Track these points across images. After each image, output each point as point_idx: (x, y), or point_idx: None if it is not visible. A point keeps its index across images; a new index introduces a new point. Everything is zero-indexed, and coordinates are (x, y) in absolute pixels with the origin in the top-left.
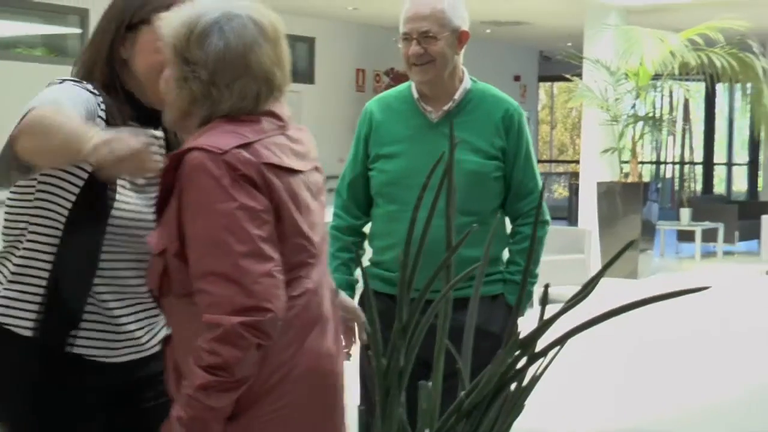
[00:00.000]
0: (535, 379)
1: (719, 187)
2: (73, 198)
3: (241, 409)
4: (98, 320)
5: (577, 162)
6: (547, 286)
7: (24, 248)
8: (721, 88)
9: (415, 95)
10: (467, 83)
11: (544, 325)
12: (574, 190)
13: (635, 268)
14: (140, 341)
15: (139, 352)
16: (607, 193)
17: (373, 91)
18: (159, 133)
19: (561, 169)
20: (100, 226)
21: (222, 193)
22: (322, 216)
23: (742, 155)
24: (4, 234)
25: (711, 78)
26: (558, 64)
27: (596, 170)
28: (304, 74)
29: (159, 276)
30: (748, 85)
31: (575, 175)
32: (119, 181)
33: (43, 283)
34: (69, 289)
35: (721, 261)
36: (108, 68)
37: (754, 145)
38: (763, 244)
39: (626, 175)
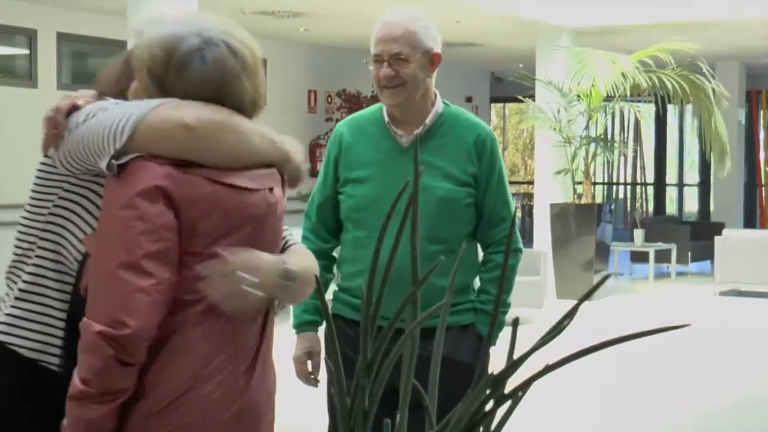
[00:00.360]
0: (503, 421)
1: (671, 208)
2: (87, 228)
3: (131, 428)
4: None
5: (529, 183)
6: (516, 321)
7: (32, 264)
8: (671, 109)
9: (386, 118)
10: (439, 106)
11: (514, 364)
12: (527, 212)
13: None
14: None
15: None
16: (560, 214)
17: (325, 112)
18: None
19: (513, 190)
20: None
21: (126, 199)
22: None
23: (691, 176)
24: (15, 247)
25: (662, 99)
26: (510, 86)
27: (549, 191)
28: None
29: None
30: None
31: (528, 196)
32: None
33: (51, 302)
34: None
35: (674, 282)
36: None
37: (704, 166)
38: (717, 265)
39: (579, 196)
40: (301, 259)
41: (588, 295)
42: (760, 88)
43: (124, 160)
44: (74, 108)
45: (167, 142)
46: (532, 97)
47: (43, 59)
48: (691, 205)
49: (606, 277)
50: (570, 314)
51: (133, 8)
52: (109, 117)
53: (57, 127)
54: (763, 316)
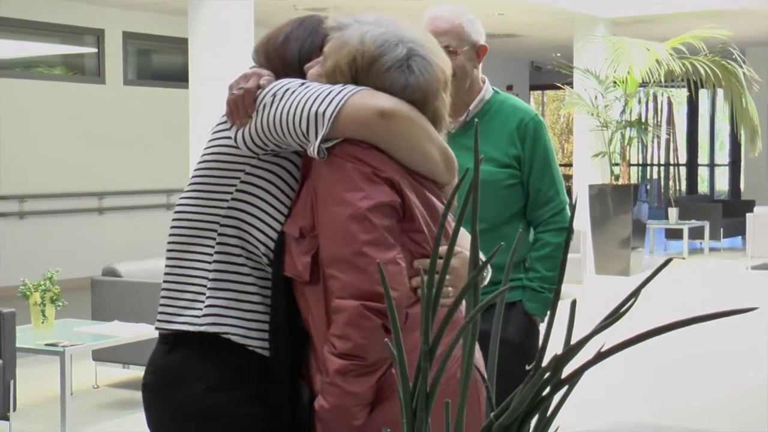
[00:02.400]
0: (559, 406)
1: (702, 187)
2: (274, 211)
3: (387, 394)
4: None
5: (567, 165)
6: (574, 303)
7: (218, 252)
8: (702, 93)
9: None
10: (487, 94)
11: (573, 348)
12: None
13: (627, 265)
14: None
15: None
16: (598, 195)
17: None
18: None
19: None
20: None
21: (350, 183)
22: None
23: (722, 156)
24: (178, 234)
25: (695, 84)
26: (548, 74)
27: (588, 173)
28: None
29: (309, 261)
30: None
31: (566, 177)
32: None
33: (246, 288)
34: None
35: (707, 257)
36: None
37: (735, 147)
38: (748, 241)
39: (617, 177)
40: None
41: (650, 279)
42: None
43: (332, 143)
44: (258, 87)
45: (363, 128)
46: (570, 84)
47: (110, 57)
48: (722, 184)
49: (668, 261)
50: (633, 295)
51: (193, 7)
52: (305, 98)
53: (247, 107)
54: None
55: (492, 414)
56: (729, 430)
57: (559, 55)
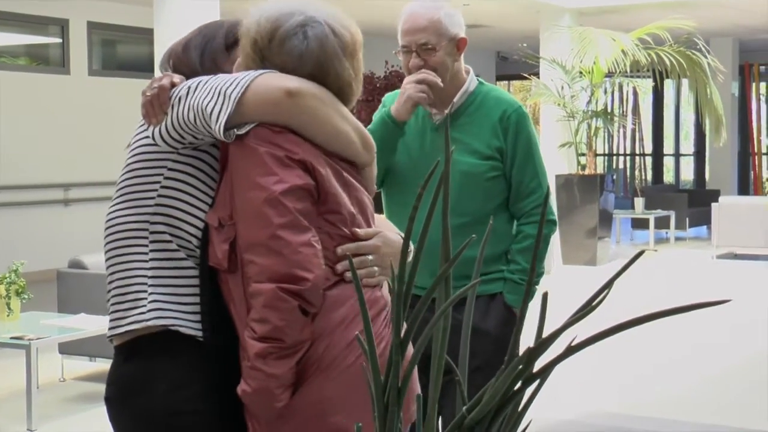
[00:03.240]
0: (530, 400)
1: (667, 177)
2: (199, 202)
3: (308, 375)
4: None
5: None
6: (545, 295)
7: (153, 250)
8: (668, 83)
9: None
10: (471, 86)
11: (545, 342)
12: None
13: (594, 255)
14: None
15: None
16: (565, 184)
17: None
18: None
19: None
20: None
21: (263, 168)
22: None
23: (686, 146)
24: (113, 233)
25: (660, 74)
26: (514, 64)
27: (554, 163)
28: None
29: (227, 251)
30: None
31: None
32: None
33: (186, 281)
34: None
35: (673, 246)
36: None
37: (699, 137)
38: (714, 230)
39: (583, 167)
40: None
41: (622, 272)
42: (752, 62)
43: (245, 130)
44: (172, 85)
45: (272, 108)
46: (537, 74)
47: (75, 47)
48: (687, 174)
49: (640, 253)
50: (605, 288)
51: None
52: (214, 85)
53: (162, 104)
54: (758, 278)
55: (464, 408)
56: (696, 420)
57: (525, 45)
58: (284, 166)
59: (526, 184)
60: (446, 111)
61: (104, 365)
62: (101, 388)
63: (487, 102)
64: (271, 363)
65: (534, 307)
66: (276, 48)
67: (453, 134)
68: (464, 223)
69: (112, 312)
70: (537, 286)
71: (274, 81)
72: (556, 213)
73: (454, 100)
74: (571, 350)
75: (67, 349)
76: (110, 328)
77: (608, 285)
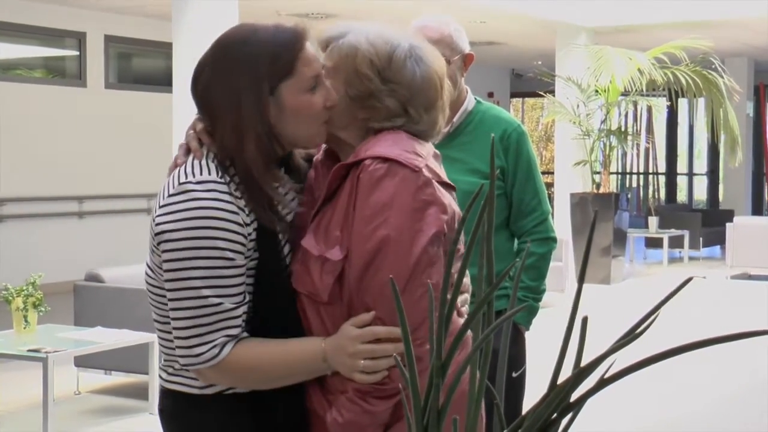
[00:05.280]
0: (568, 426)
1: (680, 196)
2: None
3: (401, 414)
4: None
5: (545, 173)
6: (585, 319)
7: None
8: (681, 102)
9: None
10: (470, 104)
11: (588, 368)
12: None
13: (608, 274)
14: None
15: None
16: (580, 203)
17: None
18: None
19: None
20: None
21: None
22: None
23: (699, 165)
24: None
25: (675, 93)
26: (528, 82)
27: (569, 182)
28: None
29: (333, 282)
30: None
31: (546, 185)
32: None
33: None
34: None
35: (687, 266)
36: (265, 144)
37: (713, 156)
38: (728, 250)
39: (598, 186)
40: None
41: (669, 298)
42: (767, 83)
43: None
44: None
45: None
46: (551, 92)
47: (92, 60)
48: (700, 194)
49: (688, 280)
50: (651, 314)
51: (177, 11)
52: None
53: None
54: None
55: (504, 431)
56: None
57: (540, 63)
58: None
59: (527, 202)
60: (444, 130)
61: (119, 379)
62: (117, 401)
63: (486, 120)
64: (371, 400)
65: (537, 324)
66: (397, 68)
67: (452, 153)
68: (466, 242)
69: None
70: (539, 304)
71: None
72: (554, 231)
73: (454, 119)
74: (604, 382)
75: (83, 362)
76: None
77: (655, 311)
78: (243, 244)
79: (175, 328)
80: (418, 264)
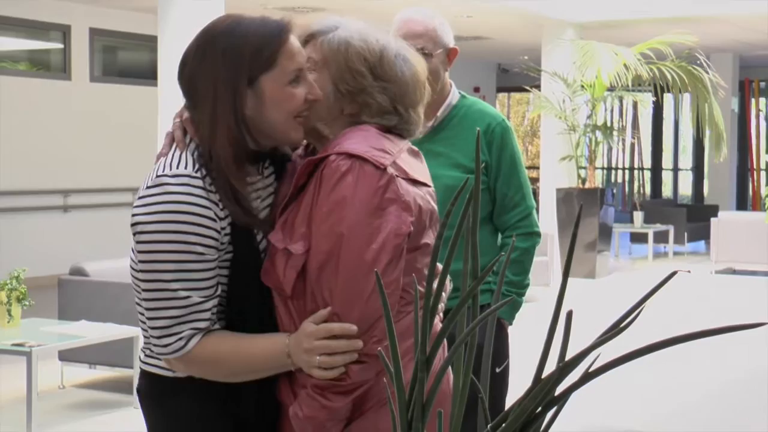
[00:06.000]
0: (553, 419)
1: (665, 191)
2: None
3: (366, 408)
4: None
5: (531, 168)
6: (570, 313)
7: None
8: (667, 97)
9: None
10: (454, 98)
11: (569, 364)
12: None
13: (593, 268)
14: None
15: None
16: (565, 198)
17: None
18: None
19: None
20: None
21: (375, 211)
22: None
23: (684, 161)
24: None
25: (660, 88)
26: (515, 76)
27: (555, 176)
28: None
29: (296, 276)
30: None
31: (531, 180)
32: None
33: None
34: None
35: (672, 261)
36: (233, 137)
37: (698, 152)
38: (713, 246)
39: (583, 181)
40: None
41: (653, 293)
42: (752, 78)
43: None
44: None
45: None
46: (537, 87)
47: (77, 53)
48: (685, 189)
49: (672, 274)
50: (635, 309)
51: (163, 5)
52: None
53: None
54: (757, 293)
55: (489, 426)
56: (677, 430)
57: (526, 58)
58: None
59: (510, 197)
60: (428, 124)
61: (104, 373)
62: (101, 395)
63: (470, 115)
64: (329, 396)
65: (522, 319)
66: (388, 65)
67: (436, 148)
68: (449, 237)
69: None
70: (523, 299)
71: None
72: (538, 225)
73: (438, 113)
74: (589, 376)
75: (67, 356)
76: None
77: (639, 305)
78: (215, 239)
79: (147, 318)
80: (375, 261)
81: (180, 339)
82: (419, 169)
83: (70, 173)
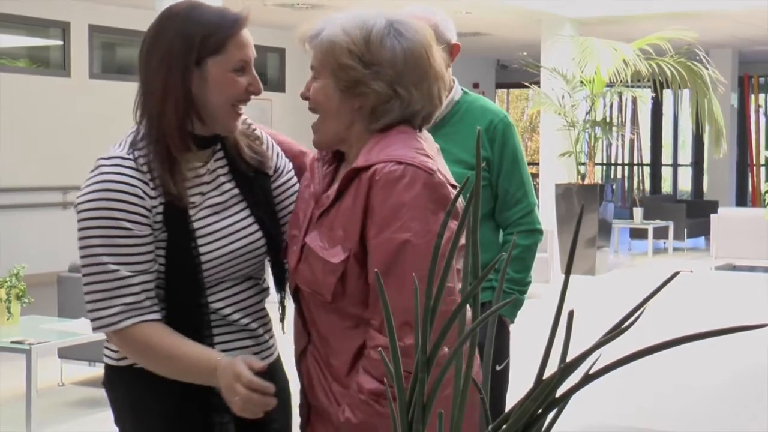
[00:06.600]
0: (554, 421)
1: (665, 187)
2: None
3: None
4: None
5: (530, 164)
6: (571, 313)
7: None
8: (666, 93)
9: None
10: (456, 95)
11: (571, 365)
12: None
13: (593, 264)
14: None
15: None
16: (564, 194)
17: None
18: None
19: None
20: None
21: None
22: None
23: (684, 156)
24: None
25: (660, 84)
26: (514, 72)
27: (554, 172)
28: (275, 83)
29: (335, 282)
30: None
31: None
32: (199, 219)
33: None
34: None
35: (671, 257)
36: (182, 110)
37: (697, 147)
38: (712, 241)
39: (583, 176)
40: None
41: (656, 293)
42: (752, 74)
43: None
44: None
45: None
46: (537, 83)
47: (76, 50)
48: (685, 184)
49: (675, 274)
50: (637, 309)
51: (161, 1)
52: None
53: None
54: (757, 289)
55: (489, 426)
56: (676, 429)
57: (525, 54)
58: None
59: (512, 193)
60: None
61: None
62: (100, 393)
63: (472, 111)
64: (384, 402)
65: (522, 316)
66: (376, 49)
67: (438, 143)
68: None
69: None
70: (525, 296)
71: None
72: (540, 222)
73: (440, 109)
74: (590, 377)
75: (67, 353)
76: None
77: (641, 305)
78: (144, 215)
79: (84, 294)
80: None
81: (112, 315)
82: (449, 173)
83: (69, 170)
